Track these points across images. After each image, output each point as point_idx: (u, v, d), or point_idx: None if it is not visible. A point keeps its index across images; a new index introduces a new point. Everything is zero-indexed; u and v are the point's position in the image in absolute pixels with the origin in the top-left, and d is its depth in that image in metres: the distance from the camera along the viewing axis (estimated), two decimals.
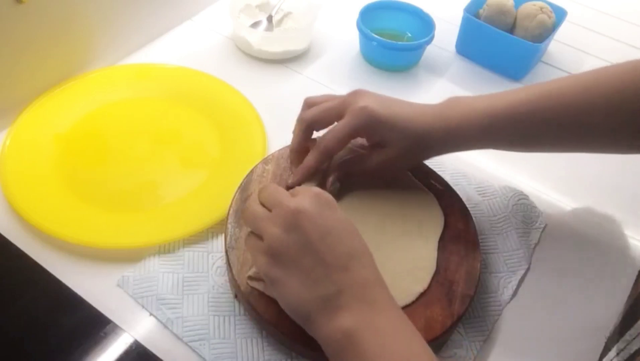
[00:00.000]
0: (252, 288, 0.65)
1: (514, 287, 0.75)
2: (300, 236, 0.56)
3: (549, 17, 1.06)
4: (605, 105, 0.71)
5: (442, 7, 1.18)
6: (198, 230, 0.75)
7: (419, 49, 1.06)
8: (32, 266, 0.71)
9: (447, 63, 1.12)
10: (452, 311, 0.66)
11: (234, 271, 0.67)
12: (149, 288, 0.70)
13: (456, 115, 0.72)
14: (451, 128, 0.72)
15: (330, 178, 0.75)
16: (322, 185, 0.74)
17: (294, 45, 1.06)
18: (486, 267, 0.76)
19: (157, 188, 0.81)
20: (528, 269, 0.78)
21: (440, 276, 0.69)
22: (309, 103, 0.77)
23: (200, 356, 0.65)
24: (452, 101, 0.75)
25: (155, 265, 0.72)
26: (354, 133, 0.72)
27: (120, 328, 0.67)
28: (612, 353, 0.63)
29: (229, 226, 0.70)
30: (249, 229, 0.62)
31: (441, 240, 0.72)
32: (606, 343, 0.66)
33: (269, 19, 1.08)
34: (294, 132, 0.78)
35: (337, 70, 1.06)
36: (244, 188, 0.75)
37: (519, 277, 0.76)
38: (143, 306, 0.69)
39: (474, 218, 0.76)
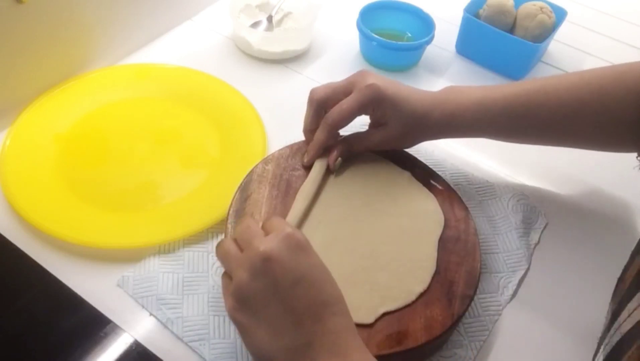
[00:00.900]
0: None
1: (514, 287, 0.75)
2: (269, 283, 0.53)
3: (549, 17, 1.06)
4: (593, 105, 0.75)
5: (442, 7, 1.19)
6: (198, 230, 0.75)
7: (419, 49, 1.06)
8: (32, 266, 0.71)
9: (447, 63, 1.12)
10: (452, 311, 0.65)
11: None
12: (149, 288, 0.70)
13: (452, 103, 0.77)
14: (447, 115, 0.77)
15: (334, 154, 0.77)
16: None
17: (294, 45, 1.06)
18: (486, 266, 0.77)
19: (157, 188, 0.81)
20: (528, 269, 0.78)
21: (440, 277, 0.69)
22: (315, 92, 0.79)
23: (200, 356, 0.65)
24: (449, 89, 0.79)
25: (155, 265, 0.72)
26: (360, 108, 0.74)
27: (120, 328, 0.67)
28: (601, 349, 0.63)
29: (229, 226, 0.70)
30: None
31: (441, 240, 0.72)
32: (598, 344, 0.66)
33: (269, 19, 1.08)
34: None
35: (337, 70, 1.06)
36: (244, 188, 0.75)
37: (519, 277, 0.76)
38: (143, 306, 0.69)
39: (474, 218, 0.76)
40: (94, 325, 0.67)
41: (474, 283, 0.68)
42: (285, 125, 0.91)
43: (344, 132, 0.79)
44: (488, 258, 0.77)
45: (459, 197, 0.78)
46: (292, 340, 0.53)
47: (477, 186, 0.86)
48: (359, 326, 0.63)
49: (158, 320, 0.68)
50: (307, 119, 0.78)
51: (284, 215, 0.71)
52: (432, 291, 0.67)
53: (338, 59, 1.09)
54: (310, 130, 0.78)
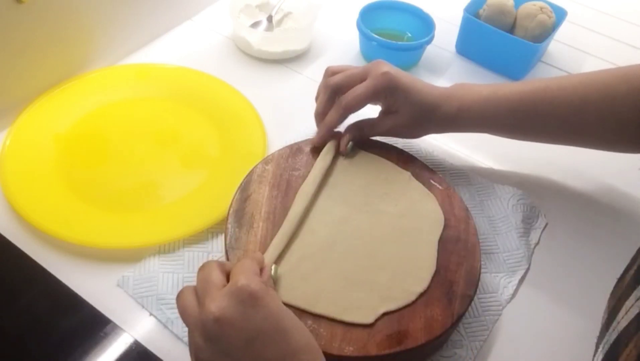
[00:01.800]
0: None
1: (514, 287, 0.75)
2: (223, 347, 0.51)
3: (549, 17, 1.06)
4: (598, 104, 0.76)
5: (442, 7, 1.19)
6: (198, 230, 0.75)
7: (419, 49, 1.06)
8: (32, 266, 0.71)
9: (447, 63, 1.12)
10: (452, 311, 0.65)
11: None
12: (149, 288, 0.70)
13: (459, 98, 0.79)
14: (454, 109, 0.79)
15: (346, 138, 0.80)
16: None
17: (294, 45, 1.06)
18: (486, 266, 0.77)
19: (157, 188, 0.81)
20: (528, 269, 0.78)
21: (440, 277, 0.69)
22: (331, 72, 0.82)
23: None
24: (459, 85, 0.82)
25: (155, 265, 0.72)
26: (373, 94, 0.77)
27: (120, 328, 0.67)
28: (599, 349, 0.63)
29: (229, 226, 0.70)
30: None
31: (441, 240, 0.72)
32: (596, 344, 0.66)
33: (269, 19, 1.08)
34: (316, 99, 0.83)
35: None
36: (244, 188, 0.75)
37: (519, 277, 0.76)
38: (143, 306, 0.69)
39: (474, 218, 0.76)
40: (94, 325, 0.67)
41: (474, 283, 0.68)
42: (285, 125, 0.91)
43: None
44: (488, 258, 0.78)
45: (459, 197, 0.78)
46: None
47: (477, 186, 0.86)
48: (359, 326, 0.63)
49: (158, 320, 0.68)
50: (320, 104, 0.80)
51: (284, 215, 0.72)
52: (432, 291, 0.67)
53: (338, 59, 1.09)
54: (322, 112, 0.80)
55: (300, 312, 0.63)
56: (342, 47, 1.11)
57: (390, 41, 1.03)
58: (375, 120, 0.82)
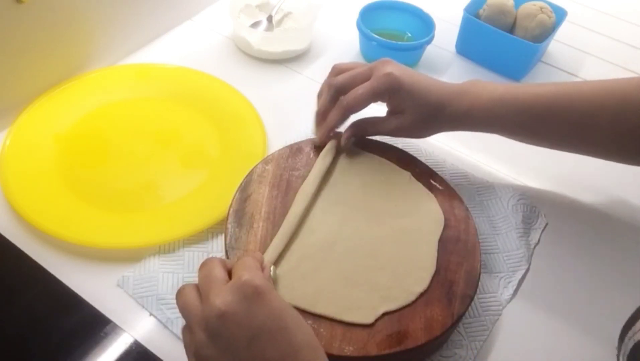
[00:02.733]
0: None
1: (514, 287, 0.75)
2: (226, 344, 0.51)
3: (549, 17, 1.06)
4: (614, 112, 0.74)
5: (442, 7, 1.18)
6: (198, 230, 0.75)
7: (419, 49, 1.06)
8: (32, 266, 0.71)
9: (447, 63, 1.12)
10: (452, 311, 0.65)
11: None
12: (149, 288, 0.70)
13: (471, 96, 0.77)
14: (464, 107, 0.77)
15: (347, 134, 0.80)
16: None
17: (294, 45, 1.06)
18: (486, 267, 0.77)
19: (157, 188, 0.81)
20: (528, 269, 0.78)
21: (441, 277, 0.69)
22: (337, 70, 0.80)
23: None
24: (472, 82, 0.79)
25: (155, 265, 0.72)
26: (375, 95, 0.76)
27: (120, 328, 0.67)
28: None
29: (229, 226, 0.70)
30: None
31: (441, 240, 0.72)
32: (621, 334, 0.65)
33: (269, 19, 1.08)
34: (318, 96, 0.82)
35: None
36: (244, 188, 0.75)
37: (519, 277, 0.76)
38: (143, 306, 0.69)
39: (474, 218, 0.76)
40: (94, 325, 0.67)
41: (474, 283, 0.68)
42: (285, 125, 0.91)
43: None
44: (488, 258, 0.77)
45: (459, 197, 0.78)
46: None
47: (477, 186, 0.86)
48: (359, 326, 0.63)
49: (158, 320, 0.68)
50: (322, 102, 0.79)
51: (283, 215, 0.72)
52: (432, 291, 0.67)
53: (338, 59, 1.08)
54: (323, 112, 0.79)
55: (300, 312, 0.62)
56: (342, 47, 1.11)
57: (390, 41, 1.03)
58: (381, 119, 0.81)
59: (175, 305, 0.66)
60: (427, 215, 0.75)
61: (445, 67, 1.10)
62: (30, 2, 0.79)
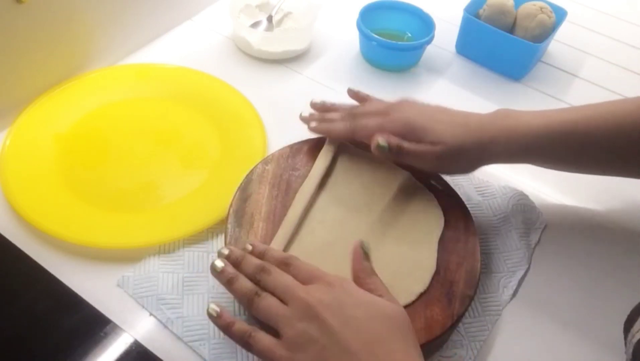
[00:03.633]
0: None
1: (514, 287, 0.75)
2: (321, 328, 0.55)
3: (549, 17, 1.06)
4: None
5: (442, 7, 1.18)
6: (198, 230, 0.75)
7: (419, 49, 1.06)
8: (32, 266, 0.71)
9: (447, 63, 1.12)
10: (452, 311, 0.66)
11: None
12: (149, 288, 0.70)
13: (495, 129, 0.73)
14: (484, 142, 0.73)
15: (381, 138, 0.73)
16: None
17: (294, 45, 1.06)
18: (486, 267, 0.77)
19: (157, 188, 0.81)
20: (528, 269, 0.78)
21: (440, 277, 0.69)
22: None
23: (200, 356, 0.65)
24: (500, 113, 0.76)
25: (155, 265, 0.72)
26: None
27: (120, 328, 0.67)
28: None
29: (229, 226, 0.70)
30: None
31: (441, 240, 0.72)
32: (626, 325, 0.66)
33: (269, 19, 1.08)
34: (312, 106, 0.84)
35: (337, 70, 1.06)
36: (244, 188, 0.75)
37: (519, 277, 0.76)
38: (143, 306, 0.69)
39: (474, 218, 0.76)
40: (94, 325, 0.67)
41: (474, 283, 0.69)
42: (285, 125, 0.91)
43: None
44: (488, 258, 0.77)
45: (459, 197, 0.78)
46: None
47: (477, 186, 0.86)
48: None
49: (158, 320, 0.68)
50: (335, 113, 0.81)
51: (284, 215, 0.72)
52: (432, 292, 0.67)
53: (338, 58, 1.09)
54: (326, 108, 0.83)
55: None
56: (342, 47, 1.11)
57: (390, 41, 1.03)
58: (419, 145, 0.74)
59: (175, 306, 0.67)
60: (426, 215, 0.75)
61: (445, 67, 1.10)
62: (30, 2, 0.79)
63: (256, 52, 1.05)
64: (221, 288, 0.69)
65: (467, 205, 0.77)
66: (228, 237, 0.69)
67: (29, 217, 0.73)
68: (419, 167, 0.76)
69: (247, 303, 0.60)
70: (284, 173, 0.77)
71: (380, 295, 0.60)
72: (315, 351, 0.54)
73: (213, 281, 0.71)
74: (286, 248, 0.69)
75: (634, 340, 0.60)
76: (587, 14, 1.30)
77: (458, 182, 0.86)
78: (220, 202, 0.76)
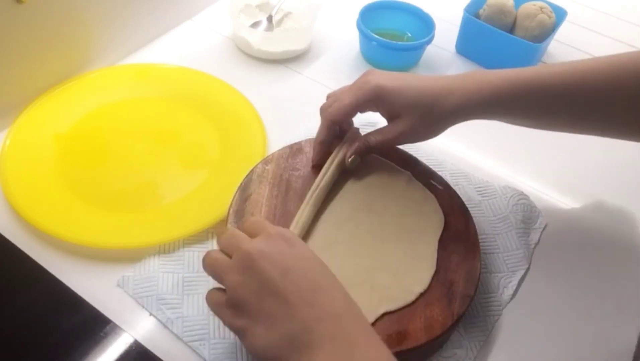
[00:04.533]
0: None
1: (514, 287, 0.75)
2: (260, 277, 0.53)
3: (549, 17, 1.06)
4: (630, 87, 0.70)
5: (442, 7, 1.18)
6: (198, 230, 0.75)
7: (419, 49, 1.06)
8: (32, 266, 0.71)
9: (447, 63, 1.12)
10: (452, 311, 0.65)
11: None
12: (149, 288, 0.70)
13: (476, 82, 0.73)
14: (469, 93, 0.72)
15: (349, 152, 0.76)
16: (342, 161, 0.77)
17: (294, 45, 1.06)
18: (486, 266, 0.77)
19: (157, 188, 0.81)
20: (528, 269, 0.78)
21: (441, 277, 0.69)
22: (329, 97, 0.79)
23: (200, 356, 0.65)
24: (473, 72, 0.75)
25: (155, 265, 0.72)
26: (357, 104, 0.74)
27: (120, 328, 0.67)
28: None
29: (229, 226, 0.70)
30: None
31: (441, 240, 0.72)
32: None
33: (269, 19, 1.08)
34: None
35: (337, 70, 1.06)
36: (244, 188, 0.75)
37: (519, 277, 0.76)
38: (143, 306, 0.69)
39: (474, 218, 0.75)
40: (94, 325, 0.67)
41: (474, 283, 0.68)
42: (285, 125, 0.91)
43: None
44: (488, 258, 0.78)
45: (459, 197, 0.78)
46: (289, 329, 0.52)
47: (477, 186, 0.86)
48: None
49: (158, 320, 0.68)
50: (319, 131, 0.78)
51: (284, 215, 0.72)
52: (432, 291, 0.67)
53: (338, 58, 1.09)
54: (320, 141, 0.78)
55: None
56: (342, 47, 1.11)
57: (390, 41, 1.03)
58: (380, 129, 0.77)
59: (175, 306, 0.67)
60: (426, 215, 0.75)
61: (445, 67, 1.11)
62: (30, 2, 0.79)
63: (256, 52, 1.05)
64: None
65: (467, 205, 0.77)
66: None
67: (28, 217, 0.73)
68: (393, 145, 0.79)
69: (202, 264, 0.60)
70: (284, 173, 0.77)
71: None
72: (252, 306, 0.53)
73: (213, 282, 0.71)
74: None
75: None
76: (587, 14, 1.30)
77: (458, 182, 0.86)
78: (220, 202, 0.76)
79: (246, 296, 0.54)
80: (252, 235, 0.58)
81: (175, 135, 0.88)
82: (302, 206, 0.72)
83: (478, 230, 0.74)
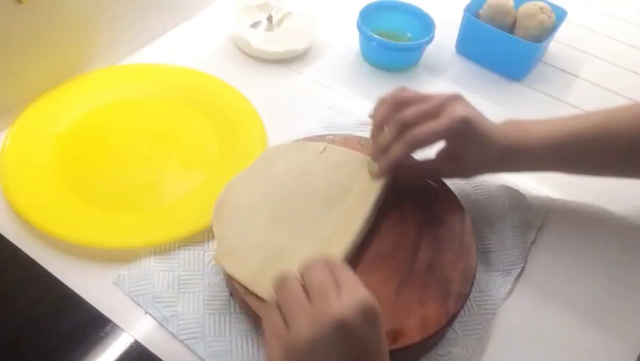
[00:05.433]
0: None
1: (510, 286, 0.75)
2: (334, 350, 0.49)
3: (549, 17, 1.06)
4: None
5: (442, 7, 1.18)
6: (198, 230, 0.75)
7: (419, 49, 1.07)
8: (32, 266, 0.72)
9: (447, 63, 1.12)
10: (447, 310, 0.65)
11: None
12: (145, 286, 0.70)
13: (512, 139, 0.74)
14: (511, 151, 0.74)
15: (386, 173, 0.74)
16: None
17: (294, 45, 1.06)
18: (482, 265, 0.77)
19: (156, 188, 0.82)
20: (524, 268, 0.78)
21: (436, 275, 0.69)
22: (400, 100, 0.73)
23: (195, 354, 0.65)
24: (509, 123, 0.75)
25: (151, 264, 0.72)
26: (445, 136, 0.71)
27: (120, 328, 0.67)
28: None
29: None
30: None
31: (437, 238, 0.72)
32: None
33: (269, 19, 1.09)
34: (371, 116, 0.75)
35: (337, 70, 1.06)
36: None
37: (514, 276, 0.76)
38: (138, 305, 0.69)
39: (469, 217, 0.75)
40: (94, 325, 0.67)
41: (469, 281, 0.68)
42: (285, 125, 0.91)
43: None
44: (484, 256, 0.78)
45: (455, 195, 0.78)
46: None
47: (473, 184, 0.86)
48: None
49: (154, 318, 0.68)
50: (386, 136, 0.73)
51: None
52: (428, 290, 0.67)
53: (338, 58, 1.09)
54: (386, 146, 0.73)
55: None
56: (342, 47, 1.11)
57: (390, 41, 1.03)
58: (430, 163, 0.77)
59: (171, 304, 0.67)
60: (360, 179, 0.75)
61: (445, 67, 1.11)
62: (30, 2, 0.80)
63: (256, 52, 1.05)
64: (217, 287, 0.70)
65: (463, 203, 0.77)
66: None
67: (28, 217, 0.74)
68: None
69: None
70: None
71: None
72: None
73: (208, 280, 0.71)
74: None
75: None
76: (587, 14, 1.29)
77: (454, 180, 0.85)
78: None
79: (310, 357, 0.49)
80: (339, 285, 0.52)
81: (175, 135, 0.89)
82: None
83: (474, 229, 0.74)
